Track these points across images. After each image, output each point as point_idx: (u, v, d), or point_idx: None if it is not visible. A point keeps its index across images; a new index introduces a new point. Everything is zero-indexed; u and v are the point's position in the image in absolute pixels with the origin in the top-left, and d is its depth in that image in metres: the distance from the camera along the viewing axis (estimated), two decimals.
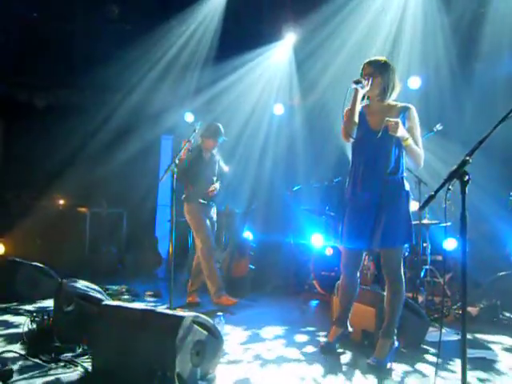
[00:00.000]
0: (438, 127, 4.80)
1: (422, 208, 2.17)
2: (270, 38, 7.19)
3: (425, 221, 5.34)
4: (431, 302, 5.06)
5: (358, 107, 3.33)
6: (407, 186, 3.36)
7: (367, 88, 3.28)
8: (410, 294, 5.10)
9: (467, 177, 1.98)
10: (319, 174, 6.88)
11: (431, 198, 2.05)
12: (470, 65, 6.40)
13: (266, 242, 6.91)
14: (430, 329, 3.94)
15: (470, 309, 4.79)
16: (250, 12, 6.51)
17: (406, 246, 3.34)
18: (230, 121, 5.47)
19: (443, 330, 4.21)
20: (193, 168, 5.11)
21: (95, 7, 6.55)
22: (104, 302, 3.36)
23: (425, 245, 5.43)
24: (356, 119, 3.34)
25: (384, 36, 6.44)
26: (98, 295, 3.73)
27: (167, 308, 4.05)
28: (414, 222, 5.52)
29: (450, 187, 2.03)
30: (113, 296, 5.14)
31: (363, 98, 3.39)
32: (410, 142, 3.19)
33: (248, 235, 6.92)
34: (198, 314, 2.97)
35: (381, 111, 3.36)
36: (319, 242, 6.07)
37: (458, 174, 1.98)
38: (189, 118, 8.31)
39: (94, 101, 8.07)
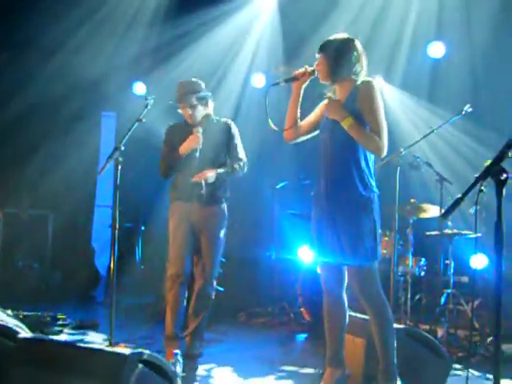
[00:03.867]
0: (467, 109, 4.87)
1: (445, 215, 2.20)
2: None
3: (447, 231, 5.41)
4: (454, 337, 5.11)
5: (294, 102, 3.70)
6: (372, 186, 3.47)
7: (303, 79, 3.61)
8: (426, 326, 5.17)
9: (505, 175, 2.01)
10: (311, 167, 6.88)
11: (458, 201, 2.07)
12: None
13: (238, 257, 6.91)
14: (452, 371, 3.99)
15: (504, 346, 4.86)
16: None
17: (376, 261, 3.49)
18: None
19: (469, 374, 4.26)
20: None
21: None
22: (21, 335, 3.31)
23: (447, 262, 5.50)
24: (294, 115, 3.71)
25: None
26: (13, 325, 3.66)
27: (106, 343, 4.01)
28: (431, 233, 5.64)
29: (483, 188, 2.06)
30: (33, 326, 5.05)
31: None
32: (351, 122, 3.38)
33: None
34: (146, 351, 2.95)
35: (338, 96, 3.61)
36: (309, 256, 6.09)
37: (493, 171, 2.00)
38: (139, 89, 8.25)
39: (9, 62, 7.92)
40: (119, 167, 4.00)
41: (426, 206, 5.63)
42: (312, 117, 3.78)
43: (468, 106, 4.87)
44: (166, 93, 4.61)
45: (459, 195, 2.08)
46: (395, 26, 6.75)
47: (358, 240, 3.39)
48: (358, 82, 3.50)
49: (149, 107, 4.20)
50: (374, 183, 3.49)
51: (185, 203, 4.50)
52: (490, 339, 4.94)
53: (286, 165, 7.66)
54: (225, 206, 4.62)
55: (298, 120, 3.75)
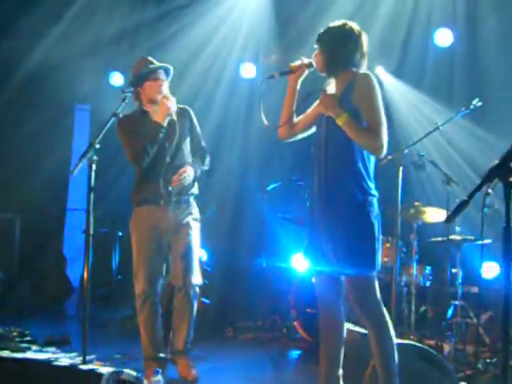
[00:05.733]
0: (476, 103, 4.90)
1: (450, 219, 2.23)
2: None
3: (454, 237, 5.44)
4: (462, 353, 5.14)
5: (290, 97, 3.75)
6: (370, 189, 3.49)
7: (300, 71, 3.65)
8: (432, 342, 5.19)
9: None
10: (306, 167, 6.90)
11: (463, 205, 2.10)
12: None
13: (226, 265, 6.91)
14: None
15: None
16: None
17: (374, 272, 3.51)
18: (176, 87, 5.37)
19: None
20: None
21: None
22: None
23: (454, 271, 5.52)
24: (289, 111, 3.76)
25: None
26: None
27: (79, 361, 4.02)
28: (437, 239, 5.67)
29: (490, 190, 2.09)
30: None
31: None
32: (346, 119, 3.40)
33: (201, 255, 6.92)
34: (123, 369, 2.97)
35: (335, 90, 3.64)
36: (303, 265, 6.10)
37: (501, 172, 2.03)
38: (116, 79, 8.24)
39: None
40: (94, 167, 4.00)
41: (431, 209, 5.65)
42: (310, 112, 3.80)
43: (477, 100, 4.90)
44: None
45: (464, 198, 2.11)
46: (398, 9, 6.80)
47: (354, 247, 3.41)
48: (349, 75, 3.52)
49: (126, 101, 4.19)
50: (372, 185, 3.50)
51: (154, 207, 4.41)
52: (500, 355, 4.99)
53: (278, 164, 7.66)
54: (195, 203, 4.59)
55: (294, 116, 3.78)
